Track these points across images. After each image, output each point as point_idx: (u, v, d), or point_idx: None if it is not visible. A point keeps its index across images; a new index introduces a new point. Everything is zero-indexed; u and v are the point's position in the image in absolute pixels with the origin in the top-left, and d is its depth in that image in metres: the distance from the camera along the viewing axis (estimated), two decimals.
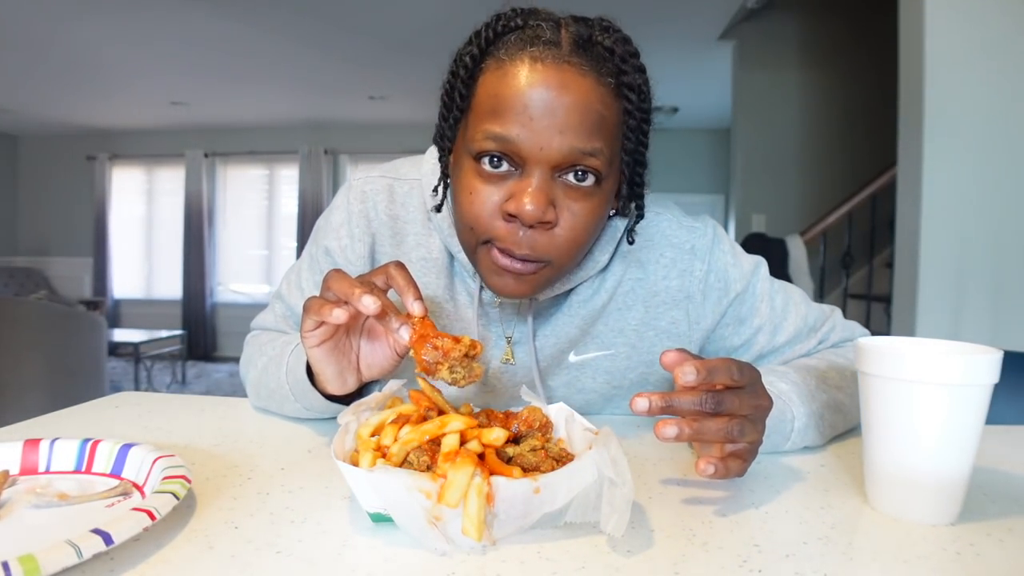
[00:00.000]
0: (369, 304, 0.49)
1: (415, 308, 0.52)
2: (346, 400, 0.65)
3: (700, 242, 0.73)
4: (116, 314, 6.90)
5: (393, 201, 0.74)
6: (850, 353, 0.75)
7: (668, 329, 0.73)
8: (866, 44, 3.74)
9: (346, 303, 0.52)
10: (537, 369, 0.71)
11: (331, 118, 6.32)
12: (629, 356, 0.73)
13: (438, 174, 0.68)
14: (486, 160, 0.57)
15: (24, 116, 6.14)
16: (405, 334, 0.51)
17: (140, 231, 6.95)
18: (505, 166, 0.57)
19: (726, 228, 5.17)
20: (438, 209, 0.68)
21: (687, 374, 0.45)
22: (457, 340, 0.50)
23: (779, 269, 3.34)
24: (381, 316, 0.51)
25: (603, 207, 0.61)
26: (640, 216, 0.68)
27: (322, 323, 0.54)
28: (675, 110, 5.67)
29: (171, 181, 6.83)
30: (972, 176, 2.03)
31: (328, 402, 0.64)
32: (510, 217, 0.57)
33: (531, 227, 0.57)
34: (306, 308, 0.54)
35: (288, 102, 5.73)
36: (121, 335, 5.11)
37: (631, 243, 0.69)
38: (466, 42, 0.61)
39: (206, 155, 6.66)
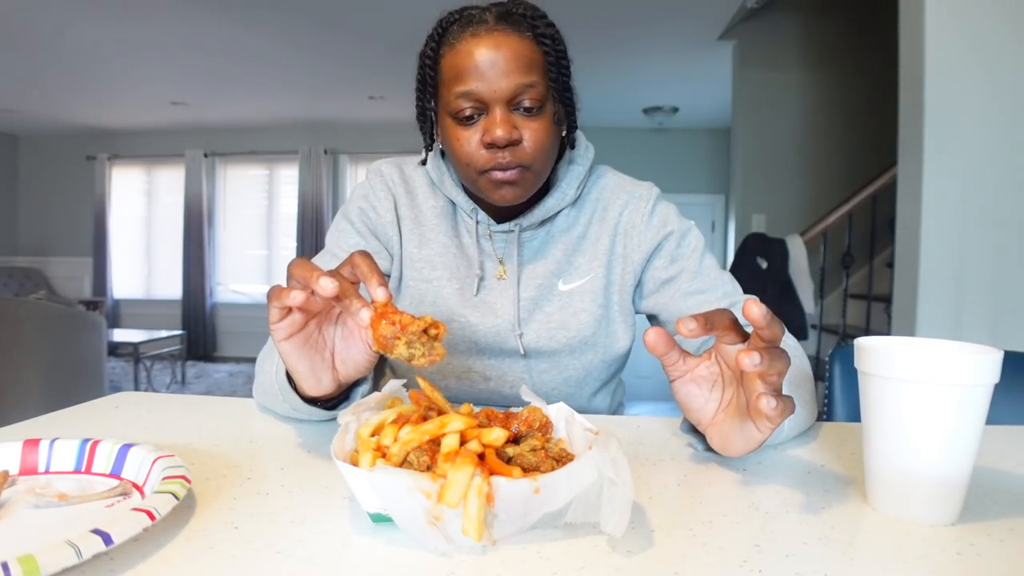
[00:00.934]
0: (327, 285, 0.50)
1: (379, 294, 0.53)
2: (327, 405, 0.65)
3: (647, 192, 0.93)
4: (116, 314, 6.90)
5: (403, 173, 0.93)
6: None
7: (623, 254, 0.91)
8: (866, 44, 3.74)
9: (306, 287, 0.52)
10: (517, 283, 0.87)
11: (331, 118, 6.32)
12: (604, 276, 0.90)
13: (435, 156, 0.90)
14: (462, 118, 0.77)
15: (24, 116, 6.14)
16: (365, 316, 0.51)
17: (140, 231, 6.95)
18: (475, 117, 0.77)
19: (726, 228, 5.17)
20: (424, 163, 0.91)
21: (755, 358, 0.47)
22: (418, 319, 0.50)
23: (779, 269, 3.34)
24: (340, 298, 0.52)
25: (551, 124, 0.80)
26: (575, 126, 0.87)
27: (288, 312, 0.55)
28: (675, 110, 5.67)
29: (171, 181, 6.83)
30: (972, 176, 2.03)
31: (309, 407, 0.64)
32: (489, 146, 0.76)
33: (505, 147, 0.76)
34: (268, 297, 0.55)
35: (288, 102, 5.73)
36: (121, 335, 5.11)
37: (571, 148, 0.89)
38: (424, 44, 0.81)
39: (206, 155, 6.66)
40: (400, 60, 4.41)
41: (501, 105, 0.76)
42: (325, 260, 0.88)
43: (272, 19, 3.77)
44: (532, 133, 0.77)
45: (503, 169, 0.77)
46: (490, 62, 0.74)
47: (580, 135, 0.91)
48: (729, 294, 0.87)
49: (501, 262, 0.89)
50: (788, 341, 0.80)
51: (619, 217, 0.91)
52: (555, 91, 0.80)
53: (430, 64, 0.80)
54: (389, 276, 0.91)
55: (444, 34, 0.79)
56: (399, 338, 0.50)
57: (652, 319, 0.94)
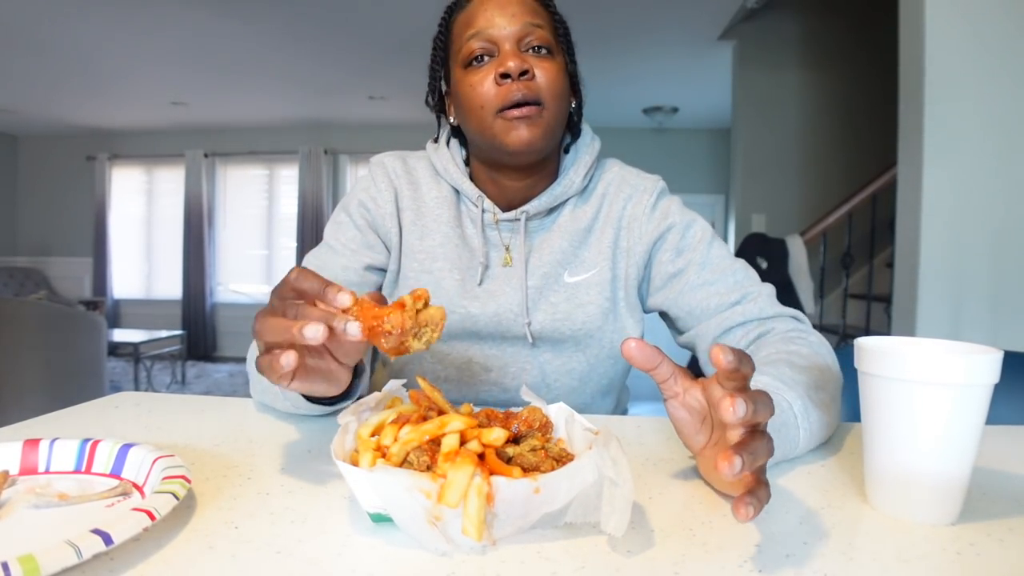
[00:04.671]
0: (314, 335, 0.47)
1: (343, 300, 0.50)
2: (339, 399, 0.66)
3: (651, 185, 0.92)
4: (116, 314, 6.90)
5: (406, 164, 0.94)
6: (798, 339, 0.76)
7: (626, 248, 0.90)
8: (866, 44, 3.75)
9: (291, 346, 0.49)
10: (524, 270, 0.87)
11: (331, 118, 6.32)
12: (610, 270, 0.90)
13: (441, 143, 0.92)
14: (474, 62, 0.81)
15: (24, 116, 6.14)
16: (354, 330, 0.48)
17: (140, 231, 6.95)
18: (486, 59, 0.80)
19: (726, 228, 5.16)
20: (436, 140, 0.93)
21: (740, 407, 0.40)
22: (401, 306, 0.48)
23: (779, 269, 3.34)
24: (328, 333, 0.49)
25: (562, 70, 0.83)
26: (580, 111, 0.90)
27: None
28: (675, 110, 5.67)
29: (171, 181, 6.83)
30: (972, 176, 2.03)
31: (323, 406, 0.66)
32: (502, 79, 0.78)
33: (519, 79, 0.78)
34: (261, 371, 0.51)
35: (288, 102, 5.73)
36: (121, 335, 5.11)
37: (576, 136, 0.91)
38: (438, 27, 0.88)
39: (206, 155, 6.66)
40: (401, 60, 4.42)
41: (511, 42, 0.80)
42: (322, 253, 0.90)
43: (272, 19, 3.77)
44: (544, 72, 0.80)
45: (517, 105, 0.78)
46: (499, 5, 0.80)
47: (586, 127, 0.91)
48: (741, 283, 0.86)
49: (507, 249, 0.89)
50: (811, 338, 0.79)
51: (622, 211, 0.91)
52: (562, 51, 0.84)
53: (443, 29, 0.86)
54: (386, 271, 0.91)
55: (455, 7, 0.86)
56: (405, 339, 0.48)
57: (664, 317, 0.93)
